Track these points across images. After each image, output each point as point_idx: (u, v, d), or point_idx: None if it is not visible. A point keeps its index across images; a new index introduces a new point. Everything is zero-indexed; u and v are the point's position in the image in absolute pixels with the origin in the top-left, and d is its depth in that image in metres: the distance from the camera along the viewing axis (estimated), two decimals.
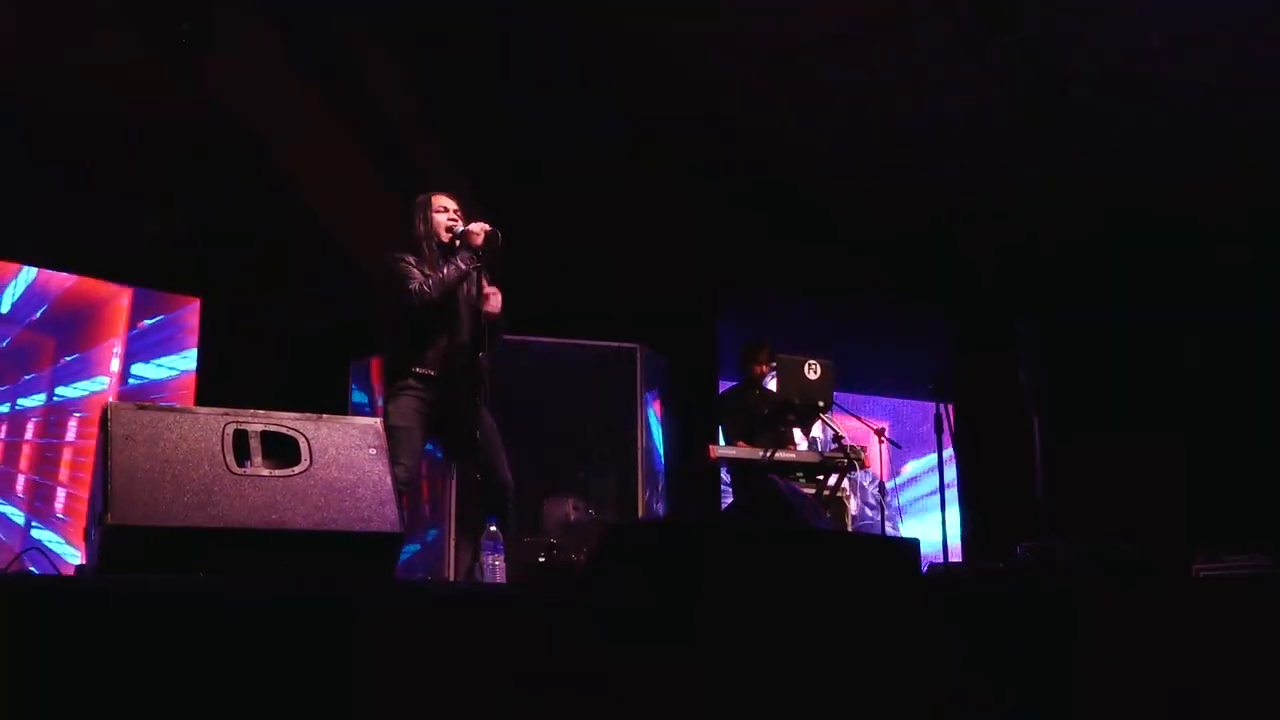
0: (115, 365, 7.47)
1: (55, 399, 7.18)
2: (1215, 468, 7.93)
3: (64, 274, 7.24)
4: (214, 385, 7.40)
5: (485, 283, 4.87)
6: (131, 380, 7.49)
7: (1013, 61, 7.18)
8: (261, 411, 3.51)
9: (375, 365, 7.99)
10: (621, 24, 7.38)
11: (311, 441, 3.47)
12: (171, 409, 3.50)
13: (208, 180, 7.24)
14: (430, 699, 2.99)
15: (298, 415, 3.55)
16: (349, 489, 3.44)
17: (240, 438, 3.39)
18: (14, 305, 7.05)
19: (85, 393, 7.29)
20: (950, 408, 6.07)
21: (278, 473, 3.38)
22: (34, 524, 6.91)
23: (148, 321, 7.57)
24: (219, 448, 3.33)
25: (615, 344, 7.99)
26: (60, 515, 6.99)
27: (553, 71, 7.59)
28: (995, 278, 8.71)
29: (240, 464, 3.34)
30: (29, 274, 7.12)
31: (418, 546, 7.37)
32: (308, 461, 3.43)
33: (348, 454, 3.50)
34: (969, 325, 8.92)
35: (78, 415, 7.19)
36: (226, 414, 3.44)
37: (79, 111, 6.72)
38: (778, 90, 7.75)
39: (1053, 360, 7.61)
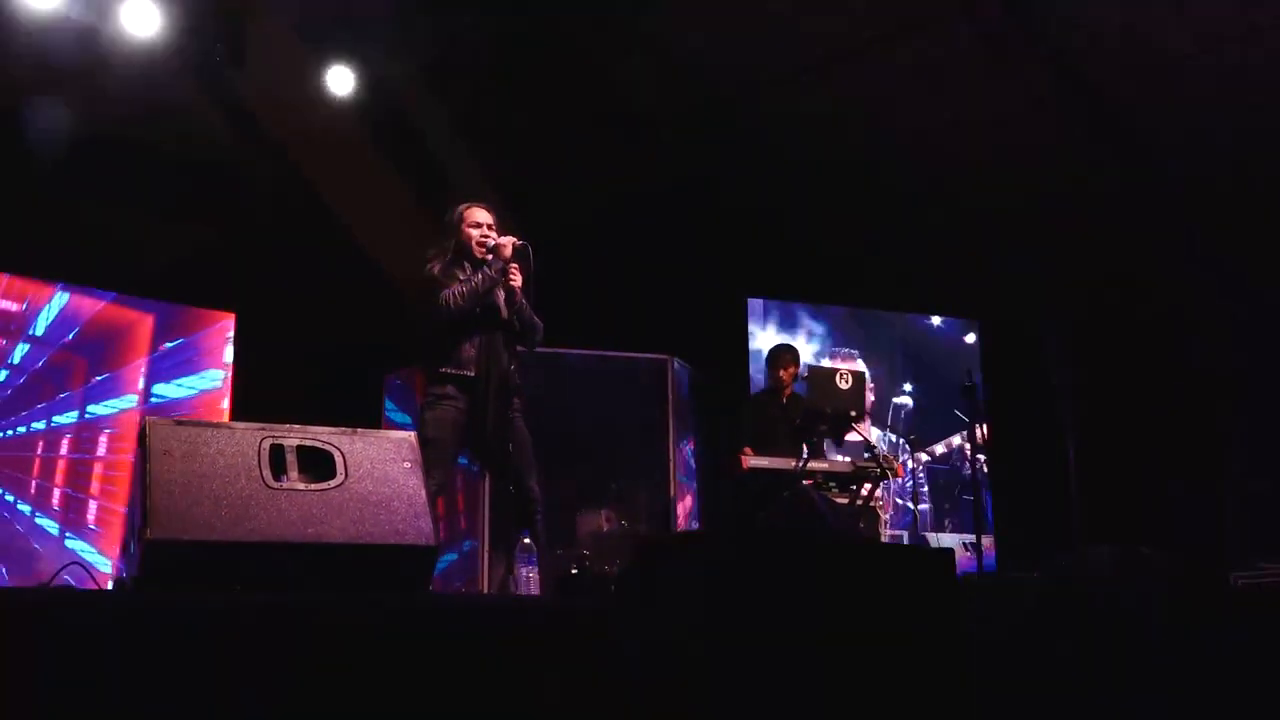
0: (143, 384, 7.78)
1: (87, 416, 7.43)
2: (1253, 474, 7.86)
3: (93, 299, 7.51)
4: (249, 400, 7.52)
5: (513, 279, 4.92)
6: (153, 399, 7.74)
7: (1040, 66, 7.17)
8: (297, 426, 3.53)
9: (419, 379, 8.08)
10: (652, 39, 7.42)
11: (347, 456, 3.50)
12: (209, 424, 3.52)
13: (241, 198, 7.34)
14: (464, 708, 3.02)
15: (333, 430, 3.57)
16: (384, 502, 3.46)
17: (277, 452, 3.42)
18: (48, 328, 7.29)
19: (115, 410, 7.54)
20: (983, 414, 6.06)
21: (314, 487, 3.40)
22: (68, 535, 7.14)
23: (168, 344, 7.81)
24: (256, 462, 3.36)
25: (647, 355, 8.02)
26: (92, 526, 7.22)
27: (582, 87, 7.62)
28: (1026, 288, 8.66)
29: (277, 478, 3.37)
30: (62, 298, 7.40)
31: (454, 556, 7.42)
32: (343, 475, 3.45)
33: (383, 468, 3.52)
34: (1000, 336, 8.87)
35: (108, 431, 7.45)
36: (263, 429, 3.47)
37: (116, 132, 6.83)
38: (808, 102, 7.76)
39: (1083, 368, 7.59)
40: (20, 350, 7.23)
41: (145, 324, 7.75)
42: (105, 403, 7.54)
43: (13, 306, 7.22)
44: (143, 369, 7.77)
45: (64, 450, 7.34)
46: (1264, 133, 7.46)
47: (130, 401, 7.69)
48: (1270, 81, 7.06)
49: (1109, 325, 8.55)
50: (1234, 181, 7.79)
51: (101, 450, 7.36)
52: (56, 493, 7.27)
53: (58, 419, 7.34)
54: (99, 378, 7.57)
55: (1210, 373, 8.44)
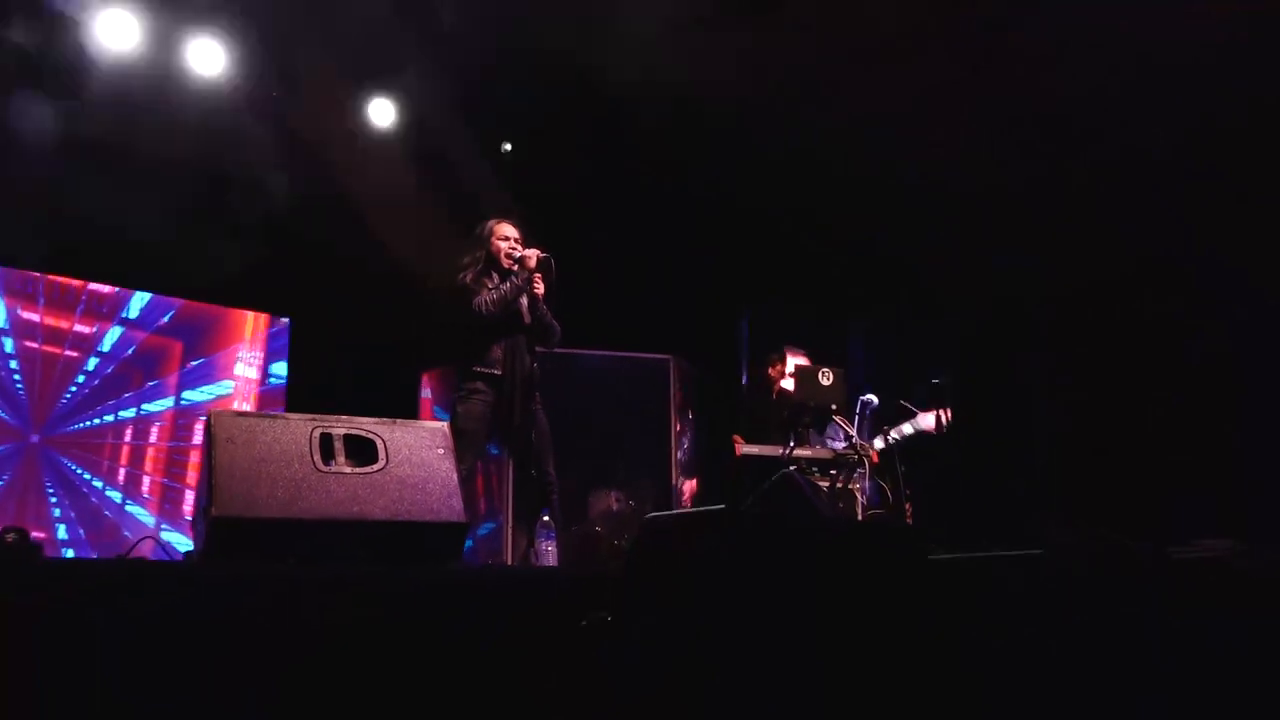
0: (240, 369, 7.59)
1: (182, 403, 7.34)
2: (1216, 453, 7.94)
3: None
4: (302, 394, 7.82)
5: (537, 288, 5.37)
6: (272, 380, 7.58)
7: (1021, 87, 7.33)
8: (344, 417, 3.87)
9: (426, 377, 8.52)
10: (648, 55, 7.59)
11: (388, 443, 3.83)
12: (266, 415, 3.85)
13: (296, 213, 7.61)
14: (494, 665, 3.37)
15: (375, 420, 3.90)
16: (420, 484, 3.78)
17: (326, 440, 3.74)
18: (142, 311, 7.21)
19: (212, 396, 7.42)
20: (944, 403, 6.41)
21: (358, 470, 3.72)
22: (164, 526, 7.08)
23: (285, 319, 7.67)
24: (307, 449, 3.69)
25: (650, 355, 8.48)
26: (189, 518, 7.08)
27: (590, 105, 7.82)
28: (999, 291, 8.73)
29: (326, 463, 3.69)
30: None
31: (470, 543, 7.80)
32: (384, 460, 3.78)
33: (419, 454, 3.85)
34: (974, 333, 8.95)
35: (204, 419, 7.12)
36: (314, 419, 3.80)
37: (184, 153, 7.07)
38: (803, 115, 7.90)
39: (1074, 364, 7.75)
40: (111, 336, 7.06)
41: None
42: (201, 389, 7.42)
43: (104, 288, 7.13)
44: (239, 353, 7.54)
45: (153, 438, 7.13)
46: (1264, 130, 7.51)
47: (227, 388, 7.55)
48: (1269, 77, 6.97)
49: (1103, 323, 8.64)
50: (1237, 188, 7.80)
51: (198, 439, 7.13)
52: (147, 480, 7.10)
53: (148, 406, 7.15)
54: (195, 362, 7.42)
55: (1209, 372, 8.47)
